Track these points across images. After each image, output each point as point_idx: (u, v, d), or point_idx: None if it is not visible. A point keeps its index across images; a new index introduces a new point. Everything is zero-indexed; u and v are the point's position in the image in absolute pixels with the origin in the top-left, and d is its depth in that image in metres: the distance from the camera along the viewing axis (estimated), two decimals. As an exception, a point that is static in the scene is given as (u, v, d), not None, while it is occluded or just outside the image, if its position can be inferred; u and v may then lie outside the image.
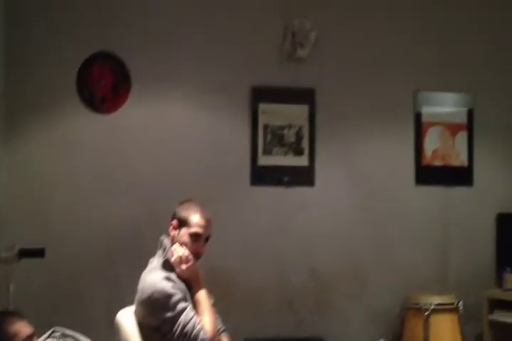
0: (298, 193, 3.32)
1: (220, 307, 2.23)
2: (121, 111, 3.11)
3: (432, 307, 3.07)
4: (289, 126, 3.31)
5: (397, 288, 3.34)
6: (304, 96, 3.34)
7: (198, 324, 1.95)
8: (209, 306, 2.06)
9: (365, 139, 3.44)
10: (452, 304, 3.14)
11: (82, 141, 3.09)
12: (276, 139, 3.29)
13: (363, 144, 3.44)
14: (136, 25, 3.14)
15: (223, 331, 2.21)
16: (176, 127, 3.19)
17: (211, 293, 2.16)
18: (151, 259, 2.14)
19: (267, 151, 3.27)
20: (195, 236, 2.10)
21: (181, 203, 2.20)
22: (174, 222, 2.14)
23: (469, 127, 3.59)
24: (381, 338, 3.21)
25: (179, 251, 2.06)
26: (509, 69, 3.66)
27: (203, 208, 2.17)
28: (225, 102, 3.24)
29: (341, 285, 3.34)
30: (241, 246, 3.22)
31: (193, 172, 3.18)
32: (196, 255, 2.10)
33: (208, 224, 2.13)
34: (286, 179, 3.29)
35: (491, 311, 3.27)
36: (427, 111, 3.53)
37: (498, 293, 3.31)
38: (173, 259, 2.06)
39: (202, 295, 2.07)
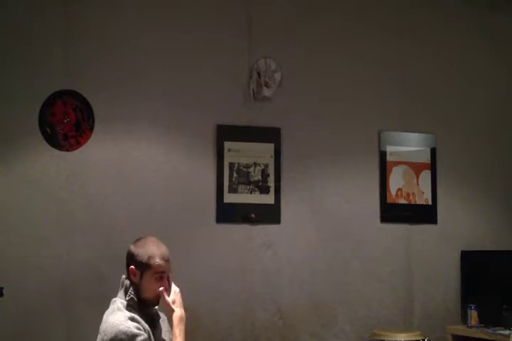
0: (264, 231, 3.32)
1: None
2: (85, 148, 3.09)
3: (398, 345, 3.06)
4: (255, 164, 3.35)
5: (362, 325, 3.34)
6: (270, 134, 3.39)
7: None
8: None
9: (330, 177, 3.49)
10: (417, 341, 3.13)
11: (42, 178, 3.02)
12: (242, 177, 3.31)
13: (328, 182, 3.49)
14: (101, 64, 3.16)
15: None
16: (140, 165, 3.17)
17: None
18: (113, 299, 2.09)
19: (233, 189, 3.29)
20: (160, 276, 2.04)
21: (135, 243, 2.09)
22: (133, 269, 2.03)
23: (432, 166, 3.68)
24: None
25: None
26: (469, 111, 3.80)
27: (158, 242, 2.08)
28: (191, 140, 3.27)
29: (306, 322, 3.31)
30: (206, 285, 3.18)
31: (158, 211, 3.16)
32: (166, 294, 2.06)
33: (168, 257, 2.06)
34: (251, 217, 3.30)
35: (457, 349, 3.29)
36: (391, 150, 3.61)
37: (463, 330, 3.32)
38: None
39: (178, 328, 2.00)
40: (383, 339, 3.10)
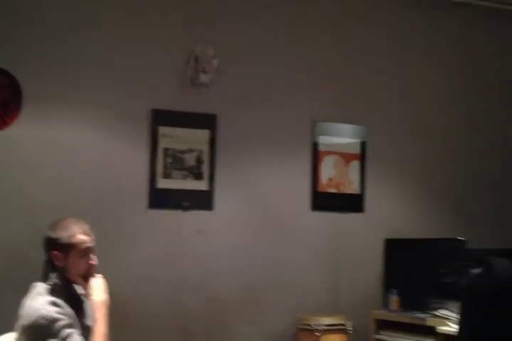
0: (196, 217, 3.34)
1: (112, 334, 2.16)
2: (11, 128, 2.97)
3: (323, 328, 3.17)
4: (190, 150, 3.34)
5: (291, 311, 3.42)
6: (205, 120, 3.39)
7: None
8: (104, 328, 1.95)
9: (264, 165, 3.55)
10: (342, 325, 3.26)
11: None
12: (177, 163, 3.30)
13: (261, 170, 3.54)
14: (32, 43, 3.04)
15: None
16: (69, 148, 3.09)
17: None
18: (34, 284, 2.03)
19: (167, 175, 3.27)
20: (85, 253, 2.00)
21: (52, 227, 2.01)
22: (56, 254, 1.96)
23: (362, 157, 3.81)
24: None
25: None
26: (399, 104, 3.95)
27: (75, 220, 2.03)
28: (124, 124, 3.21)
29: (237, 309, 3.37)
30: (137, 271, 3.16)
31: (88, 195, 3.10)
32: (95, 269, 2.02)
33: (89, 232, 2.01)
34: (185, 203, 3.30)
35: (377, 331, 3.43)
36: (324, 140, 3.70)
37: (385, 314, 3.48)
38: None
39: (100, 314, 1.96)
40: (309, 323, 3.23)
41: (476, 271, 1.64)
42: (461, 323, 1.70)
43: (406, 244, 3.70)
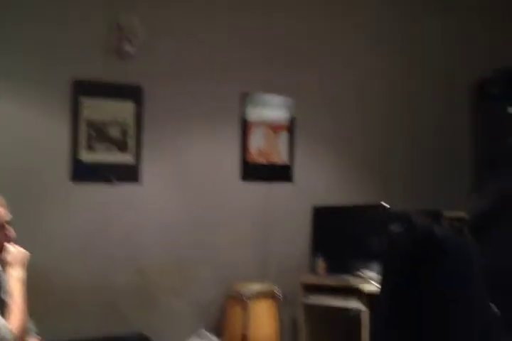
0: (123, 191, 3.31)
1: (38, 308, 2.15)
2: None
3: (252, 294, 3.26)
4: (115, 122, 3.29)
5: (222, 280, 3.49)
6: (131, 92, 3.33)
7: (2, 323, 1.86)
8: (21, 304, 1.92)
9: (192, 137, 3.54)
10: (271, 291, 3.37)
11: None
12: (101, 135, 3.24)
13: (190, 142, 3.53)
14: None
15: (33, 333, 2.12)
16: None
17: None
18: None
19: (90, 147, 3.21)
20: (2, 225, 1.96)
21: None
22: None
23: (290, 128, 3.87)
24: (202, 328, 3.34)
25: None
26: (327, 76, 4.01)
27: None
28: (45, 95, 3.11)
29: (167, 282, 3.40)
30: (61, 244, 3.12)
31: (9, 167, 3.00)
32: (12, 241, 1.99)
33: (5, 204, 1.99)
34: (111, 176, 3.26)
35: (305, 295, 3.56)
36: (252, 112, 3.73)
37: (312, 279, 3.61)
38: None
39: (17, 289, 1.94)
40: (238, 290, 3.31)
41: (396, 228, 1.68)
42: (382, 281, 1.76)
43: (332, 211, 3.82)
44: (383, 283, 1.70)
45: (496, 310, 1.50)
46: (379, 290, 1.70)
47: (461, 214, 2.45)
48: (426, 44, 4.38)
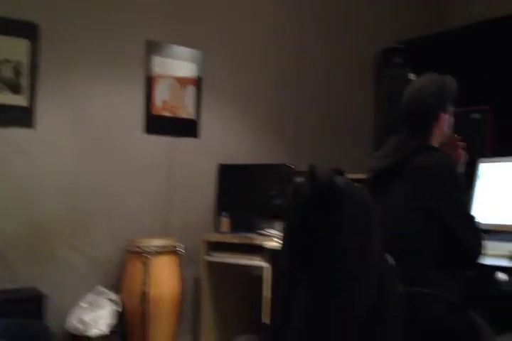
0: (15, 135, 3.03)
1: None
2: None
3: (153, 250, 3.14)
4: (6, 61, 2.98)
5: (121, 234, 3.33)
6: (25, 29, 3.02)
7: None
8: None
9: (93, 84, 3.30)
10: (173, 247, 3.26)
11: None
12: (-11, 73, 2.93)
13: (91, 88, 3.30)
14: None
15: None
16: None
17: None
18: None
19: (-23, 85, 2.90)
20: None
21: None
22: None
23: (198, 82, 3.74)
24: (99, 284, 3.17)
25: None
26: (237, 31, 3.90)
27: None
28: None
29: (61, 233, 3.17)
30: None
31: None
32: None
33: None
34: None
35: (208, 253, 3.50)
36: (159, 63, 3.55)
37: (215, 236, 3.55)
38: None
39: None
40: (139, 245, 3.17)
41: (300, 180, 1.65)
42: (283, 235, 1.73)
43: (238, 169, 3.77)
44: (284, 236, 1.69)
45: (391, 260, 1.51)
46: (280, 245, 1.69)
47: (362, 175, 2.51)
48: (337, 11, 4.44)
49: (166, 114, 3.60)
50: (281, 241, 1.70)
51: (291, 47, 4.19)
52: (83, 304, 3.07)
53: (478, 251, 2.09)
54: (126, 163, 3.43)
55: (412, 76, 4.20)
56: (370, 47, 4.55)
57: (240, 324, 3.58)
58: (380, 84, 4.56)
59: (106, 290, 3.16)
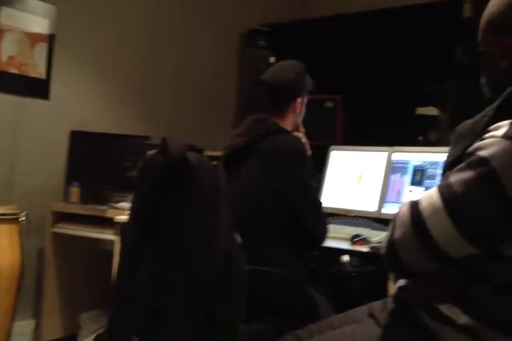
0: None
1: None
2: None
3: (-9, 217, 2.89)
4: None
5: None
6: None
7: None
8: None
9: None
10: (13, 215, 3.01)
11: None
12: None
13: None
14: None
15: None
16: None
17: None
18: None
19: None
20: None
21: None
22: None
23: (51, 39, 3.44)
24: None
25: None
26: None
27: None
28: None
29: None
30: None
31: None
32: None
33: None
34: None
35: (55, 224, 3.30)
36: (8, 14, 3.20)
37: (63, 206, 3.36)
38: None
39: None
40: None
41: (150, 153, 1.61)
42: (131, 207, 1.68)
43: (92, 137, 3.56)
44: (132, 208, 1.66)
45: (239, 239, 1.55)
46: (129, 218, 1.65)
47: (220, 153, 2.55)
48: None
49: (13, 70, 3.28)
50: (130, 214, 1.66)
51: (152, 15, 4.04)
52: None
53: (322, 233, 2.22)
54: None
55: (272, 59, 4.32)
56: (239, 26, 4.57)
57: (87, 299, 3.44)
58: (243, 64, 4.62)
59: None
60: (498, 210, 1.16)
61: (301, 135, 2.48)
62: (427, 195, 1.24)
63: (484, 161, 1.17)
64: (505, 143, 1.17)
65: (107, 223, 3.10)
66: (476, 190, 1.17)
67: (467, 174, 1.19)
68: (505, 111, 1.25)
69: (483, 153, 1.19)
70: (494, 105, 1.29)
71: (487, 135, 1.23)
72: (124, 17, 3.87)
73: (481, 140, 1.23)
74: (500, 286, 1.20)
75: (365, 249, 2.37)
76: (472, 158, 1.21)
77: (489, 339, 1.21)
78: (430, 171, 2.74)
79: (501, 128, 1.21)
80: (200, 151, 4.03)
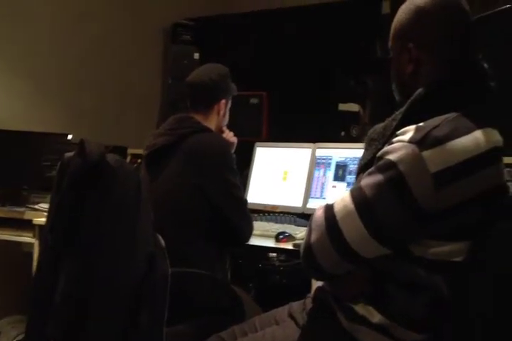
0: None
1: None
2: None
3: None
4: None
5: None
6: None
7: None
8: None
9: None
10: None
11: None
12: None
13: None
14: None
15: None
16: None
17: None
18: None
19: None
20: None
21: None
22: None
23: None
24: None
25: None
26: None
27: None
28: None
29: None
30: None
31: None
32: None
33: None
34: None
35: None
36: None
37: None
38: None
39: None
40: None
41: (69, 154, 1.56)
42: (49, 209, 1.62)
43: (8, 135, 3.38)
44: (50, 211, 1.62)
45: (162, 242, 1.55)
46: (47, 219, 1.61)
47: (142, 151, 2.52)
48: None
49: None
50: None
51: (72, 7, 3.88)
52: None
53: (247, 232, 2.24)
54: None
55: (196, 55, 4.29)
56: (163, 20, 4.49)
57: (7, 304, 3.31)
58: (167, 60, 4.54)
59: None
60: (407, 212, 1.20)
61: (231, 134, 2.49)
62: (341, 198, 1.28)
63: (392, 165, 1.22)
64: (411, 147, 1.21)
65: (26, 225, 2.98)
66: (384, 193, 1.21)
67: (376, 177, 1.23)
68: (412, 116, 1.30)
69: (391, 156, 1.24)
70: (402, 109, 1.34)
71: (395, 139, 1.28)
72: (40, 9, 3.70)
73: (390, 144, 1.28)
74: (409, 284, 1.25)
75: (289, 246, 2.40)
76: (381, 161, 1.26)
77: (402, 337, 1.26)
78: (352, 167, 2.81)
79: (408, 132, 1.25)
80: (124, 149, 3.95)
